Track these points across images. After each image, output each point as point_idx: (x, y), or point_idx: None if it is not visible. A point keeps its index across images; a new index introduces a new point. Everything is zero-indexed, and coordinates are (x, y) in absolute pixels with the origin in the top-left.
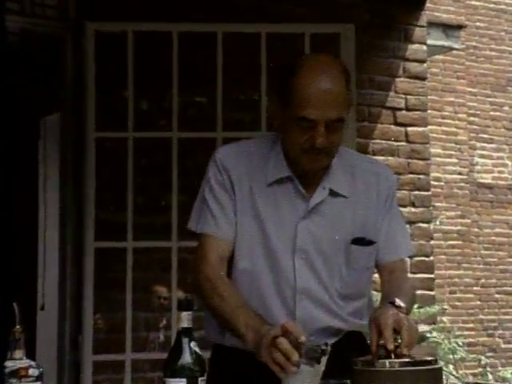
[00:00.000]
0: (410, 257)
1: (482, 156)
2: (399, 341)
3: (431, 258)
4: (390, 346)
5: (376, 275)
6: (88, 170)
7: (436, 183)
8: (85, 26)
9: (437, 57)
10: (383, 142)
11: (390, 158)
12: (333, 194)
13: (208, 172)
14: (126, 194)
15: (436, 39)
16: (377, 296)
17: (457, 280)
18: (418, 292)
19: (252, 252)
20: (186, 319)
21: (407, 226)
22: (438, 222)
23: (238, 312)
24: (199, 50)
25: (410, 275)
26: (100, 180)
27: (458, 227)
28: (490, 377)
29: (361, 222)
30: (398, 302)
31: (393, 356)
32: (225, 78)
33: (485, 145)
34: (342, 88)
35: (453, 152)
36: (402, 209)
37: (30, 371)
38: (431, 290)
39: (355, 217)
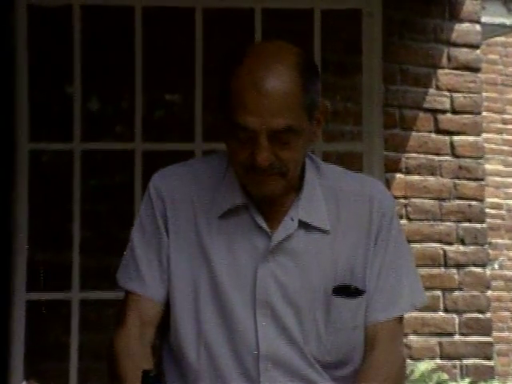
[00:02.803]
0: (459, 312)
1: None
2: None
3: (488, 314)
4: None
5: None
6: (19, 193)
7: (494, 212)
8: None
9: (495, 39)
10: (420, 155)
11: (429, 177)
12: (306, 226)
13: (142, 203)
14: (70, 227)
15: (494, 15)
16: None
17: None
18: (471, 361)
19: (198, 307)
20: None
21: (453, 270)
22: (496, 266)
23: None
24: (171, 32)
25: (458, 337)
26: (34, 207)
27: None
28: None
29: (346, 265)
30: None
31: None
32: (206, 70)
33: None
34: (293, 87)
35: None
36: (446, 247)
37: None
38: (489, 358)
39: (338, 258)
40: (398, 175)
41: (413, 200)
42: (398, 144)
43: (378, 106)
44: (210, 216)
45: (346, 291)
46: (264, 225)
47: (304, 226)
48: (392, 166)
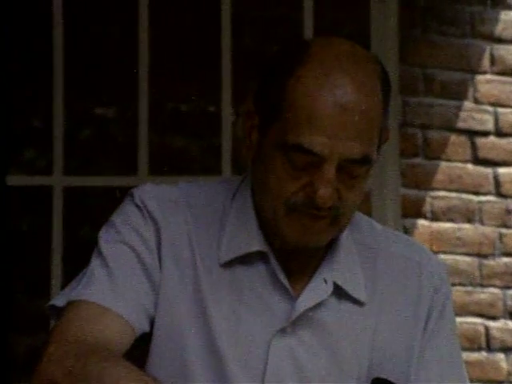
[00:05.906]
0: None
1: None
2: None
3: None
4: None
5: None
6: None
7: None
8: None
9: None
10: (452, 194)
11: (464, 225)
12: (339, 294)
13: (120, 211)
14: None
15: None
16: None
17: None
18: None
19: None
20: None
21: (499, 355)
22: None
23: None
24: (106, 22)
25: None
26: None
27: None
28: None
29: (384, 349)
30: None
31: None
32: (153, 74)
33: None
34: (375, 103)
35: None
36: (489, 323)
37: None
38: None
39: (374, 339)
40: (421, 222)
41: (442, 256)
42: (421, 178)
43: (394, 126)
44: (210, 263)
45: None
46: (287, 284)
47: (337, 292)
48: (412, 209)
